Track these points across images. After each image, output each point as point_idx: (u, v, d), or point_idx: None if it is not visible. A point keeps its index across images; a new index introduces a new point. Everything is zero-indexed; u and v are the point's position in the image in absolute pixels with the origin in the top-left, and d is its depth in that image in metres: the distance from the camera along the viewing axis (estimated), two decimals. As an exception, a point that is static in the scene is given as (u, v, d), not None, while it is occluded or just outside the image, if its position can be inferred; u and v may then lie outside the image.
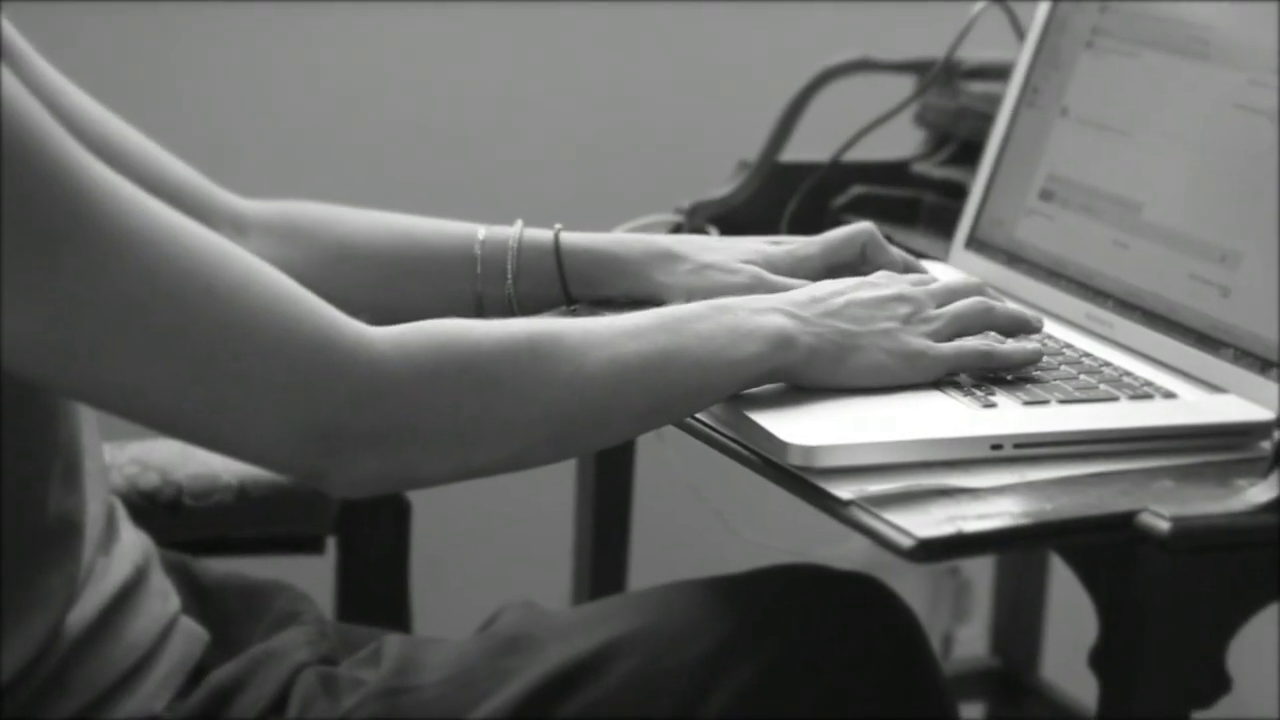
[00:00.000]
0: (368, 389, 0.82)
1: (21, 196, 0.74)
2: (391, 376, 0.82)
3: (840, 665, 0.96)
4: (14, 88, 0.75)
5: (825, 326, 0.95)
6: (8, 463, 0.85)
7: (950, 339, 0.99)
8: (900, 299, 0.99)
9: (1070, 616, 1.81)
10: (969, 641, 2.02)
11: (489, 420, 0.85)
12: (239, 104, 1.75)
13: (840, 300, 0.97)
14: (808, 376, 0.95)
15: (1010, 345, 1.00)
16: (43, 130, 0.75)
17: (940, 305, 1.00)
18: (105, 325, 0.77)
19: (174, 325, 0.78)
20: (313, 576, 1.21)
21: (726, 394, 0.94)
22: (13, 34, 0.96)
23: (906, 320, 0.98)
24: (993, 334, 1.02)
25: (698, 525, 1.62)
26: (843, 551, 1.77)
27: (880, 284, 1.00)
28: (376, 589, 1.30)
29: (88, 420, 0.93)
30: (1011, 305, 1.05)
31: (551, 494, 1.55)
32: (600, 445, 0.95)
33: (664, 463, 1.40)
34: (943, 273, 1.11)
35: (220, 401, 0.80)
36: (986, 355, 0.99)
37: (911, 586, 1.74)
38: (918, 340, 0.97)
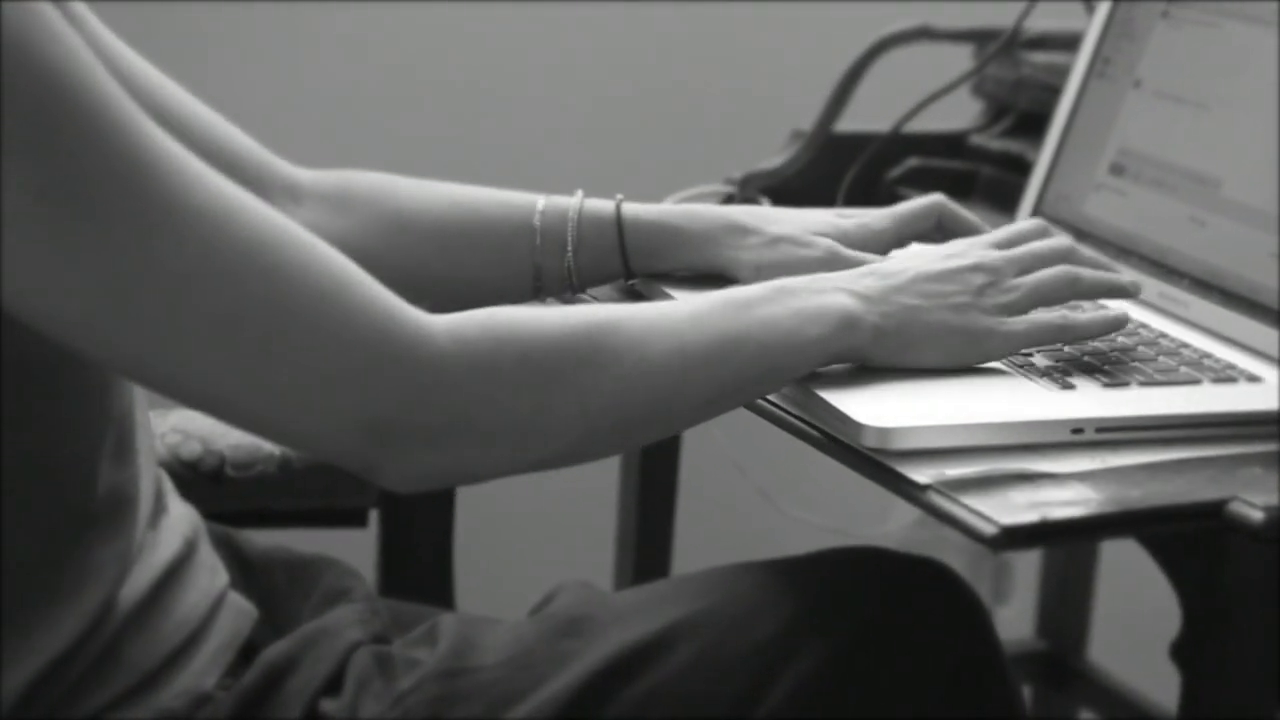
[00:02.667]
0: (425, 383, 0.79)
1: (78, 162, 0.72)
2: (449, 370, 0.80)
3: (908, 650, 0.93)
4: (75, 48, 0.72)
5: (891, 305, 0.92)
6: (61, 437, 0.83)
7: (1028, 311, 0.95)
8: (976, 269, 0.95)
9: (1118, 598, 1.80)
10: (1008, 622, 1.99)
11: (548, 414, 0.83)
12: (267, 91, 1.73)
13: (908, 275, 0.94)
14: (874, 357, 0.92)
15: (1088, 316, 0.97)
16: (102, 94, 0.73)
17: (1022, 272, 0.96)
18: (157, 302, 0.74)
19: (229, 306, 0.75)
20: (354, 550, 1.19)
21: (792, 378, 0.91)
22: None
23: (980, 293, 0.94)
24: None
25: (743, 503, 1.60)
26: (883, 531, 1.76)
27: (955, 253, 0.96)
28: (419, 564, 1.27)
29: (138, 394, 0.91)
30: (1101, 272, 0.99)
31: (596, 471, 1.52)
32: (662, 436, 0.92)
33: (710, 440, 1.38)
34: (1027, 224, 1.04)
35: (273, 388, 0.77)
36: (1061, 330, 0.95)
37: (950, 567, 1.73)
38: (987, 319, 0.94)
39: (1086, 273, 0.98)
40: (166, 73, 1.03)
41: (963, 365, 0.94)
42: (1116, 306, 1.00)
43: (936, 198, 1.09)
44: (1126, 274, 1.12)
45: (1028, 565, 1.86)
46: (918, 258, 0.97)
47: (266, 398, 0.77)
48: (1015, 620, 1.96)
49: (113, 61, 0.95)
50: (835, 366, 0.93)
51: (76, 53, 0.73)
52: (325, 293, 0.77)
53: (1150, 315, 1.08)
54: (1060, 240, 1.00)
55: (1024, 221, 1.03)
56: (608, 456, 0.88)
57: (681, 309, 0.88)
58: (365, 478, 0.82)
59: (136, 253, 0.73)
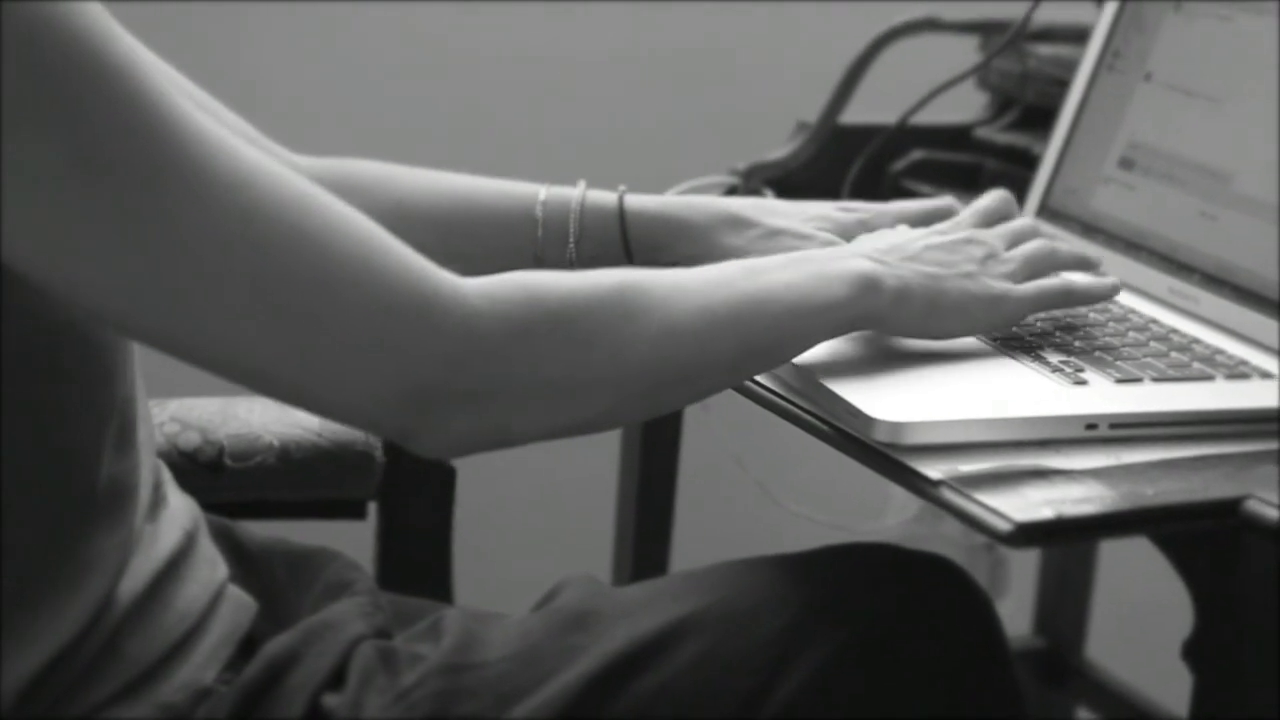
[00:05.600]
0: (463, 348, 0.78)
1: (111, 130, 0.71)
2: (486, 334, 0.79)
3: (915, 645, 0.93)
4: (109, 23, 0.72)
5: (910, 270, 0.93)
6: (65, 425, 0.82)
7: (1025, 281, 0.97)
8: (973, 241, 0.97)
9: (1117, 595, 1.80)
10: (1004, 618, 1.98)
11: (582, 375, 0.82)
12: (268, 79, 1.72)
13: (919, 245, 0.95)
14: (896, 321, 0.93)
15: (1087, 280, 0.99)
16: (134, 65, 0.73)
17: (1008, 248, 0.99)
18: (194, 270, 0.73)
19: (265, 272, 0.74)
20: (352, 541, 1.18)
21: (816, 341, 0.91)
22: None
23: (983, 262, 0.96)
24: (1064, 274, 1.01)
25: (741, 497, 1.59)
26: (881, 525, 1.75)
27: (947, 229, 0.99)
28: (418, 556, 1.26)
29: (139, 384, 0.89)
30: (1066, 245, 1.03)
31: (594, 463, 1.52)
32: (692, 399, 0.92)
33: (709, 432, 1.37)
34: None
35: (310, 355, 0.76)
36: (1066, 293, 0.98)
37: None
38: (999, 283, 0.96)
39: (1061, 245, 1.01)
40: (167, 59, 1.02)
41: (982, 330, 0.96)
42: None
43: (947, 201, 1.09)
44: (1134, 270, 1.12)
45: (1024, 561, 1.85)
46: (918, 230, 0.99)
47: (304, 366, 0.77)
48: (1011, 616, 1.95)
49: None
50: (846, 360, 0.92)
51: (101, 20, 0.72)
52: (361, 258, 0.77)
53: (1160, 311, 1.08)
54: (1026, 220, 1.05)
55: (985, 196, 1.05)
56: (638, 420, 0.89)
57: (706, 273, 0.89)
58: (402, 444, 0.81)
59: (173, 221, 0.73)
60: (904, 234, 0.98)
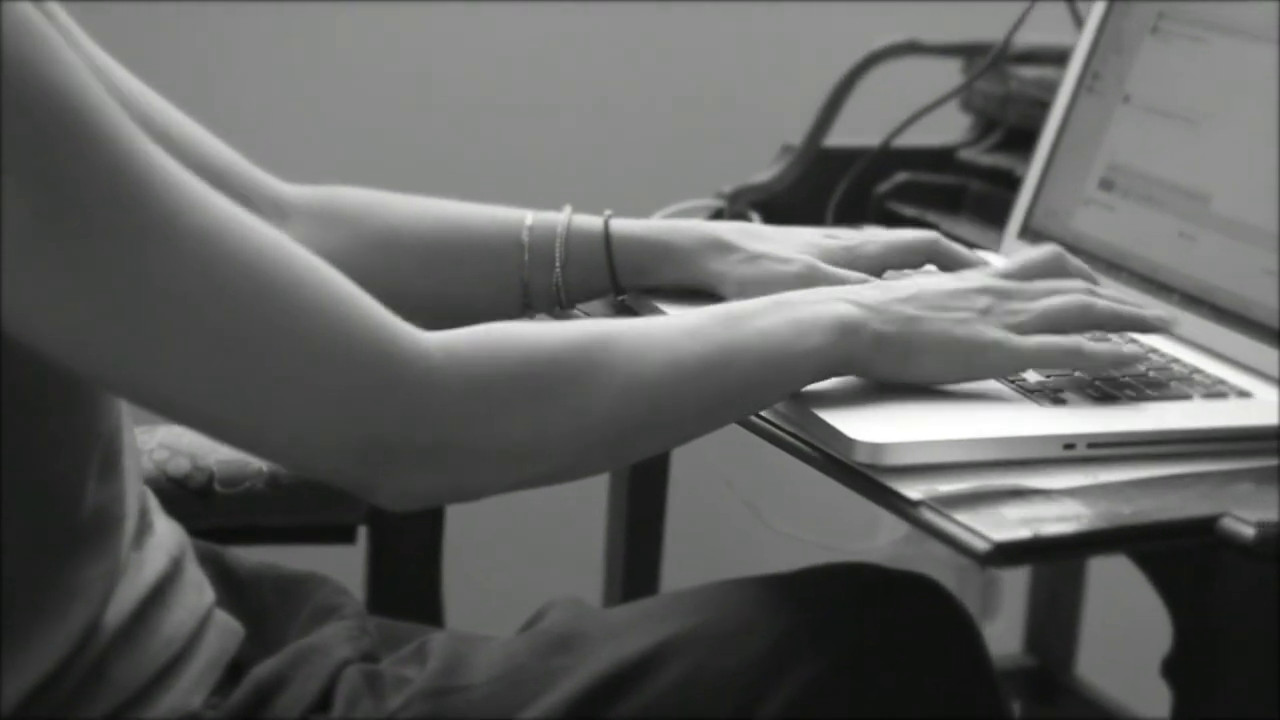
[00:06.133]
0: (420, 403, 0.79)
1: (75, 180, 0.71)
2: (444, 390, 0.79)
3: (899, 665, 0.93)
4: (73, 65, 0.72)
5: (893, 313, 0.91)
6: (49, 455, 0.83)
7: (1036, 334, 0.93)
8: (983, 291, 0.93)
9: (1107, 613, 1.80)
10: (996, 639, 1.99)
11: (543, 431, 0.82)
12: (260, 96, 1.72)
13: (913, 289, 0.92)
14: (875, 366, 0.91)
15: (1102, 345, 0.94)
16: (101, 112, 0.73)
17: (1035, 299, 0.94)
18: (154, 319, 0.74)
19: (224, 324, 0.75)
20: (342, 566, 1.19)
21: (792, 389, 0.90)
22: (58, 9, 0.93)
23: (986, 311, 0.92)
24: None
25: (731, 518, 1.59)
26: (871, 546, 1.75)
27: (965, 276, 0.95)
28: (408, 581, 1.27)
29: (125, 413, 0.90)
30: (1121, 303, 0.96)
31: (585, 487, 1.52)
32: (661, 449, 0.92)
33: (699, 456, 1.38)
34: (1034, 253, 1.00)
35: (268, 407, 0.77)
36: (1073, 353, 0.92)
37: (939, 581, 1.73)
38: (994, 332, 0.92)
39: (1103, 302, 0.95)
40: (161, 84, 1.03)
41: (965, 379, 0.93)
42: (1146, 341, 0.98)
43: (931, 235, 1.07)
44: (1114, 291, 1.11)
45: (1015, 581, 1.86)
46: (924, 276, 0.96)
47: (260, 417, 0.77)
48: (1003, 636, 1.95)
49: (101, 72, 0.95)
50: (829, 383, 0.93)
51: (75, 71, 0.72)
52: (322, 311, 0.77)
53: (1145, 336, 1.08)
54: (1078, 281, 0.97)
55: (1040, 250, 0.99)
56: (606, 471, 0.88)
57: (678, 322, 0.88)
58: (360, 496, 0.81)
59: (134, 271, 0.73)
60: (905, 278, 0.95)
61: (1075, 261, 1.00)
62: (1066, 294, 0.95)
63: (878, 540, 1.80)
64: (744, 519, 1.56)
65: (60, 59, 0.72)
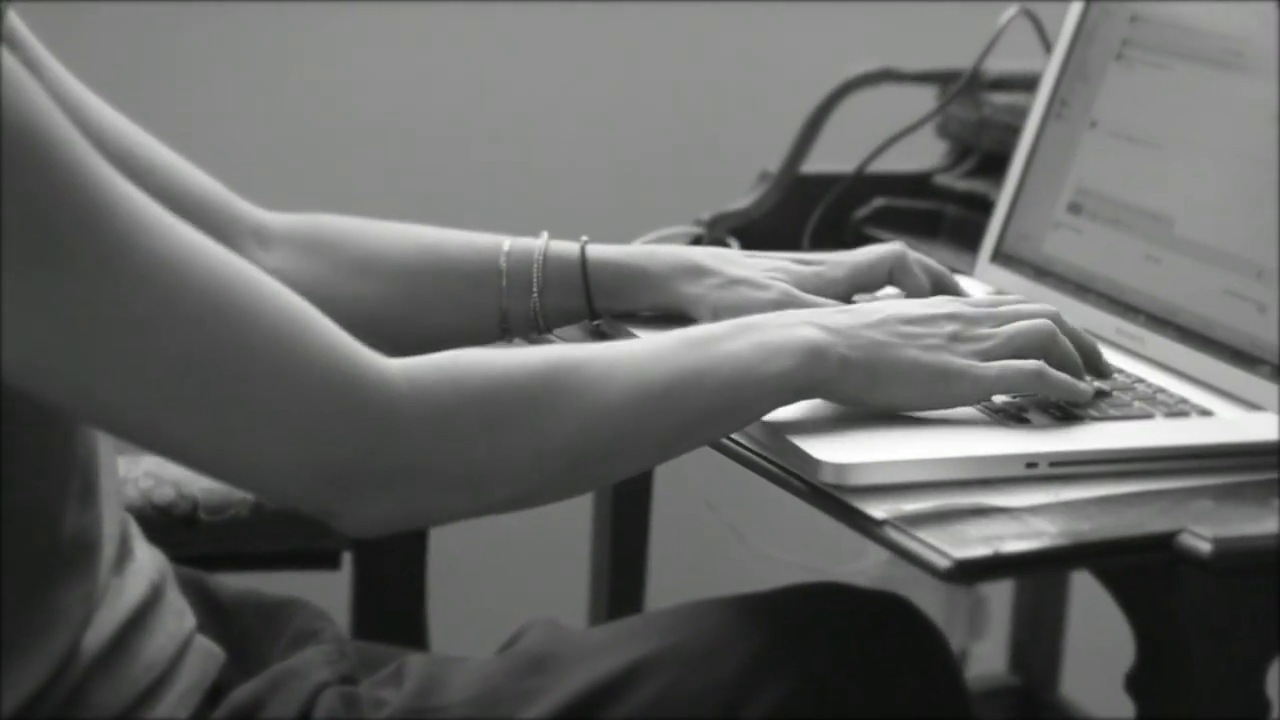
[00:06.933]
0: (382, 430, 0.80)
1: (35, 210, 0.72)
2: (406, 417, 0.80)
3: (868, 686, 0.94)
4: (32, 92, 0.73)
5: (861, 338, 0.91)
6: (25, 480, 0.84)
7: (1002, 359, 0.93)
8: (951, 317, 0.94)
9: (1090, 633, 1.81)
10: (985, 658, 2.00)
11: (505, 459, 0.83)
12: (247, 113, 1.74)
13: (881, 315, 0.93)
14: (841, 392, 0.92)
15: (1063, 375, 0.95)
16: (61, 139, 0.73)
17: (1001, 324, 0.94)
18: (116, 348, 0.75)
19: (188, 352, 0.76)
20: (328, 592, 1.20)
21: (760, 414, 0.91)
22: (30, 39, 0.94)
23: (953, 337, 0.93)
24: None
25: (716, 541, 1.60)
26: (858, 567, 1.76)
27: (933, 301, 0.96)
28: (393, 605, 1.28)
29: (104, 437, 0.92)
30: (1083, 334, 0.98)
31: (570, 509, 1.53)
32: (625, 474, 0.92)
33: (682, 478, 1.39)
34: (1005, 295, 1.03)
35: (232, 434, 0.78)
36: (1037, 376, 0.93)
37: (926, 603, 1.73)
38: (960, 359, 0.92)
39: (1069, 325, 0.97)
40: (148, 114, 1.04)
41: (931, 407, 0.93)
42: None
43: (894, 247, 1.09)
44: (1082, 312, 1.13)
45: (998, 601, 1.87)
46: (892, 301, 0.97)
47: (224, 443, 0.78)
48: (991, 656, 1.97)
49: (74, 106, 0.96)
50: (797, 405, 0.94)
51: (36, 101, 0.73)
52: (284, 338, 0.78)
53: (1108, 351, 1.10)
54: (1045, 306, 0.98)
55: (1019, 305, 0.98)
56: (570, 497, 0.88)
57: (644, 346, 0.89)
58: (324, 522, 0.82)
59: (96, 300, 0.74)
60: (882, 303, 0.95)
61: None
62: (1033, 318, 0.96)
63: (865, 561, 1.81)
64: (729, 540, 1.57)
65: (20, 87, 0.72)
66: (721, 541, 1.59)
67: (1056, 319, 0.97)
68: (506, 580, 1.85)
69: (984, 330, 0.94)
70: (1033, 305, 0.98)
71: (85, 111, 0.98)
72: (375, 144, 1.78)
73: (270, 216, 1.07)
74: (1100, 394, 0.99)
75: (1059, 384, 0.95)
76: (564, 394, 0.84)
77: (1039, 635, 1.74)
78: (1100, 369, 1.00)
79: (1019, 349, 0.94)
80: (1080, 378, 0.97)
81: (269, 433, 0.78)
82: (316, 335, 0.79)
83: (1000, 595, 1.94)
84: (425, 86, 1.79)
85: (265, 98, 1.74)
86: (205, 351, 0.76)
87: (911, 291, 1.07)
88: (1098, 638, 1.79)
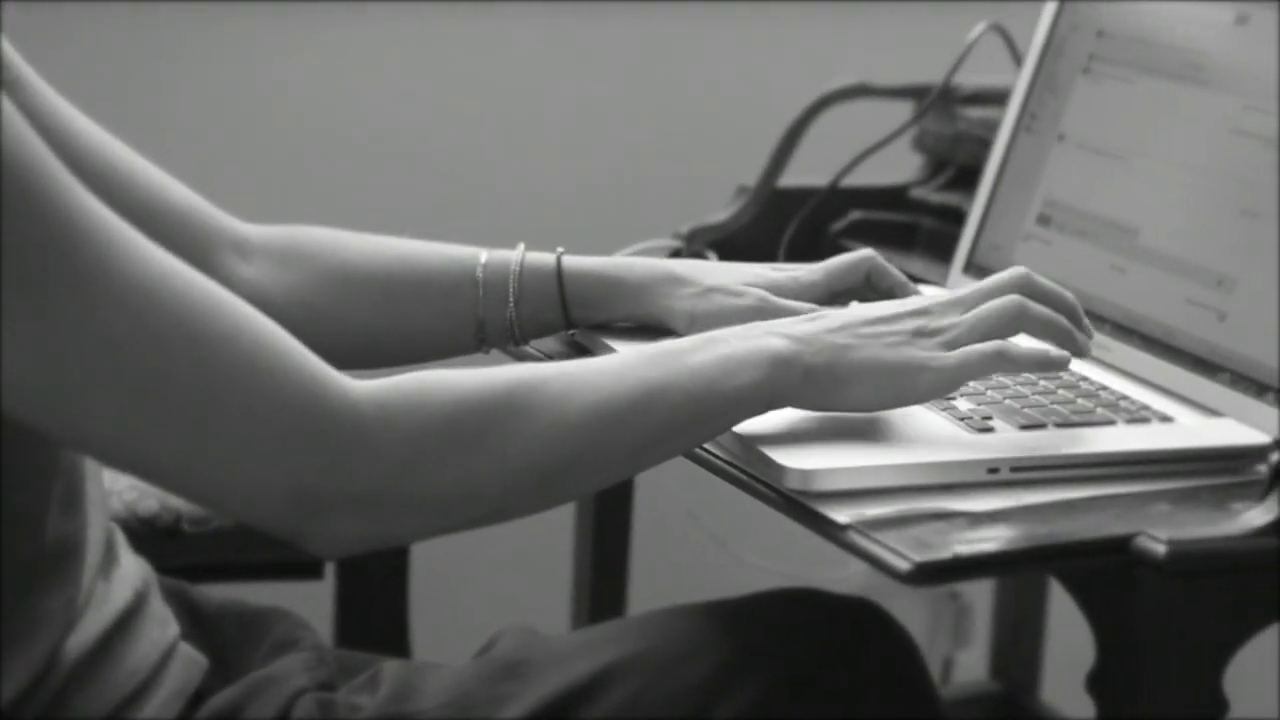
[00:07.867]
0: (348, 453, 0.81)
1: (9, 232, 0.73)
2: (372, 440, 0.81)
3: (837, 690, 0.95)
4: (8, 117, 0.74)
5: (822, 344, 0.92)
6: (9, 487, 0.85)
7: (969, 345, 0.93)
8: (916, 313, 0.94)
9: (1070, 639, 1.82)
10: (969, 666, 2.02)
11: (472, 478, 0.84)
12: (232, 123, 1.75)
13: (842, 319, 0.93)
14: (808, 399, 0.93)
15: (1026, 348, 0.94)
16: (38, 165, 0.74)
17: (969, 309, 0.94)
18: (89, 370, 0.76)
19: (157, 374, 0.77)
20: (312, 602, 1.21)
21: (728, 426, 0.92)
22: (11, 55, 0.96)
23: (917, 332, 0.93)
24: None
25: (697, 549, 1.62)
26: (842, 575, 1.78)
27: (899, 302, 0.96)
28: (376, 614, 1.30)
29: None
30: (1050, 312, 0.95)
31: (552, 518, 1.54)
32: (592, 489, 0.94)
33: (663, 487, 1.40)
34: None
35: (200, 455, 0.79)
36: (998, 355, 0.92)
37: (911, 610, 1.74)
38: (924, 353, 0.92)
39: (1035, 305, 0.95)
40: (131, 124, 1.05)
41: (900, 404, 0.93)
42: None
43: (866, 252, 1.10)
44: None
45: (979, 609, 1.88)
46: (859, 306, 0.97)
47: (192, 464, 0.79)
48: (976, 663, 1.98)
49: (54, 123, 0.97)
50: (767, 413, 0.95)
51: (9, 122, 0.74)
52: (253, 361, 0.79)
53: (1074, 361, 1.12)
54: (1016, 270, 0.96)
55: (1001, 273, 0.98)
56: (537, 511, 0.88)
57: (608, 362, 0.89)
58: (291, 543, 0.83)
59: (67, 323, 0.75)
60: (847, 309, 0.96)
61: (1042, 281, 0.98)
62: (1000, 295, 0.95)
63: (849, 569, 1.82)
64: (711, 549, 1.58)
65: None
66: (703, 550, 1.60)
67: (1026, 283, 0.95)
68: (489, 589, 1.86)
69: (948, 320, 0.94)
70: (999, 276, 0.96)
71: (63, 126, 0.99)
72: (352, 158, 1.79)
73: (249, 228, 1.08)
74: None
75: (1024, 359, 0.94)
76: (524, 413, 0.85)
77: (1019, 642, 1.75)
78: (1080, 326, 0.98)
79: (987, 332, 0.93)
80: (1063, 339, 0.95)
81: (237, 455, 0.79)
82: (285, 358, 0.80)
83: (984, 602, 1.96)
84: (402, 102, 1.80)
85: (246, 107, 1.75)
86: (174, 374, 0.77)
87: (891, 290, 1.09)
88: (1077, 644, 1.81)
